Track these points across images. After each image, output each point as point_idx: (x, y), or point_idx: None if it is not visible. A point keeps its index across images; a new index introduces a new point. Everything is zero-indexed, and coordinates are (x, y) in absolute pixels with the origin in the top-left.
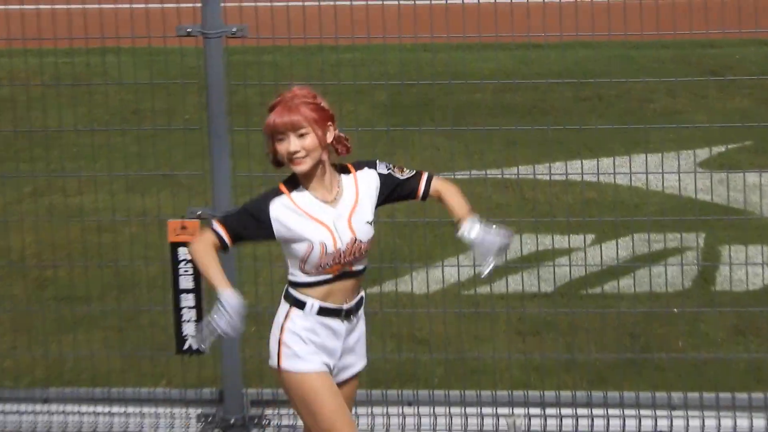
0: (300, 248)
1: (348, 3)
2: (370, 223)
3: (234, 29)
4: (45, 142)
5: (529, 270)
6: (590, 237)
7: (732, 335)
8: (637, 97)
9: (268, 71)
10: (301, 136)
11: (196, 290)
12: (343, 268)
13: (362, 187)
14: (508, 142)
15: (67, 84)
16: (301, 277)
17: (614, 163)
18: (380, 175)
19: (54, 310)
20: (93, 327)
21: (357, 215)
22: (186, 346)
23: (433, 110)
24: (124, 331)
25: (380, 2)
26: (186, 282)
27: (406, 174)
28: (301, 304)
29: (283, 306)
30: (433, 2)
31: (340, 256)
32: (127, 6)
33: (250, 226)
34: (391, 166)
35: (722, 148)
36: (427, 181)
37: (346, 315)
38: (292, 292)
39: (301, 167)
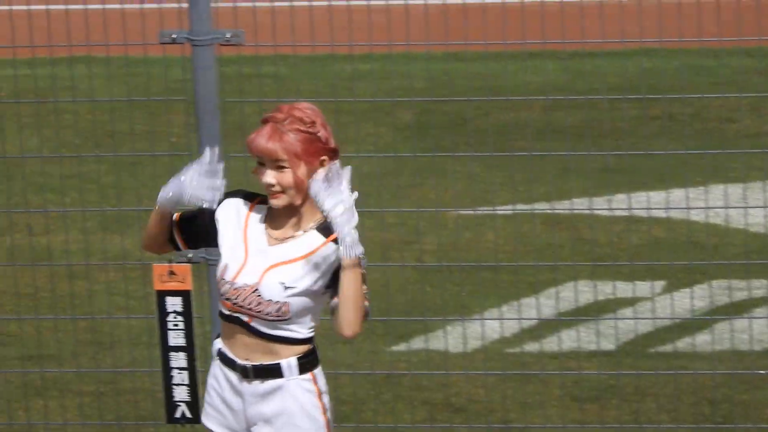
0: (221, 261)
1: (365, 3)
2: (288, 289)
3: (228, 35)
4: (4, 172)
5: (586, 324)
6: (659, 284)
7: None
8: (715, 116)
9: (269, 85)
10: (279, 168)
11: (188, 347)
12: (234, 310)
13: (318, 257)
14: (560, 171)
15: (29, 101)
16: (222, 306)
17: (688, 195)
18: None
19: (19, 372)
20: (66, 392)
21: (280, 270)
22: (179, 414)
23: (468, 132)
24: (103, 396)
25: (403, 2)
26: (176, 338)
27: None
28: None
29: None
30: (467, 1)
31: (232, 292)
32: (100, 6)
33: (201, 214)
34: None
35: None
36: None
37: (242, 372)
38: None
39: (277, 202)
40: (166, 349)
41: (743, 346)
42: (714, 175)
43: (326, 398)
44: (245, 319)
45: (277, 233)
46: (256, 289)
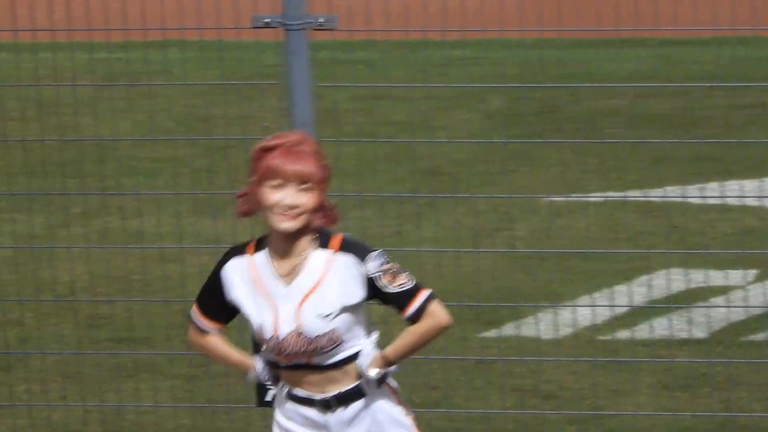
0: (252, 322)
1: None
2: (327, 317)
3: (321, 20)
4: (97, 154)
5: (678, 312)
6: (752, 273)
7: None
8: None
9: (362, 71)
10: (304, 191)
11: None
12: (293, 360)
13: (334, 272)
14: (653, 159)
15: (123, 84)
16: (269, 353)
17: None
18: (366, 275)
19: (110, 354)
20: (157, 374)
21: (310, 303)
22: (269, 397)
23: (560, 119)
24: (195, 379)
25: None
26: None
27: (396, 287)
28: (277, 380)
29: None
30: None
31: (280, 348)
32: None
33: (214, 297)
34: (384, 267)
35: None
36: (421, 304)
37: (324, 406)
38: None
39: (289, 225)
40: None
41: None
42: None
43: (403, 398)
44: (304, 361)
45: (284, 269)
46: (300, 332)
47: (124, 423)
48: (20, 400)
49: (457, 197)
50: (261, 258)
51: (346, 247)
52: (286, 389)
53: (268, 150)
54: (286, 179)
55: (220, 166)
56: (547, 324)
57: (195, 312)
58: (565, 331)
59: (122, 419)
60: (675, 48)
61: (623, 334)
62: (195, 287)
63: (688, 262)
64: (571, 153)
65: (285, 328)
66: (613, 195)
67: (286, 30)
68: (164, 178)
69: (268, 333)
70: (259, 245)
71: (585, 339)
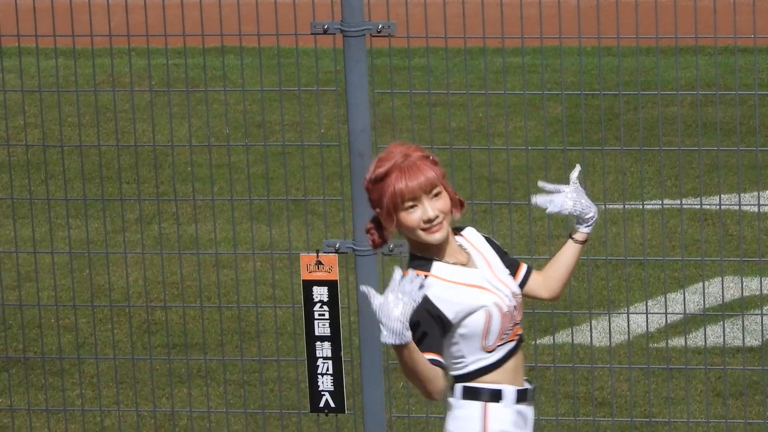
0: (478, 322)
1: None
2: (510, 276)
3: (380, 26)
4: (153, 160)
5: (732, 320)
6: None
7: None
8: None
9: (420, 78)
10: (435, 196)
11: (334, 338)
12: (512, 339)
13: (478, 245)
14: (709, 167)
15: (180, 90)
16: (485, 359)
17: None
18: (485, 237)
19: (164, 360)
20: (210, 380)
21: (496, 269)
22: (322, 403)
23: (618, 127)
24: (247, 385)
25: None
26: (322, 328)
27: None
28: (496, 395)
29: (470, 406)
30: None
31: (513, 315)
32: None
33: (439, 330)
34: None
35: None
36: (526, 271)
37: (532, 395)
38: (477, 386)
39: (441, 234)
40: (312, 339)
41: None
42: None
43: None
44: (515, 338)
45: (461, 260)
46: (513, 290)
47: (176, 429)
48: (73, 405)
49: (512, 204)
50: (440, 268)
51: (459, 228)
52: (513, 389)
53: (382, 178)
54: (418, 196)
55: (276, 173)
56: (600, 331)
57: (435, 359)
58: (619, 338)
59: (175, 425)
60: (733, 56)
61: (677, 341)
62: (249, 293)
63: (743, 270)
64: (628, 161)
65: (507, 293)
66: (670, 203)
67: (345, 36)
68: (220, 184)
69: (504, 307)
70: (424, 266)
71: (638, 346)
